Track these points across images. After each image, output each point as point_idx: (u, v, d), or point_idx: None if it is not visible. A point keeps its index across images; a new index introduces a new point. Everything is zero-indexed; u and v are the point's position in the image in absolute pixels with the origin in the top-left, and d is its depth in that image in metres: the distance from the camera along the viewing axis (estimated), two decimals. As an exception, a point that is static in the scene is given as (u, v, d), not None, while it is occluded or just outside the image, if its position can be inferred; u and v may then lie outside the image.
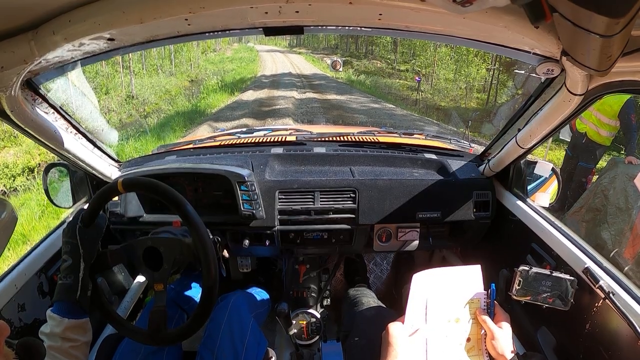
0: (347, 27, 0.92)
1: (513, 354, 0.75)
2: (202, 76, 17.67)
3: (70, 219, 0.88)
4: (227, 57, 27.93)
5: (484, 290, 0.82)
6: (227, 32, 0.92)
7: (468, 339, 0.80)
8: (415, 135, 1.90)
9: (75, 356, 0.78)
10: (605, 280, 0.94)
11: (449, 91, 15.56)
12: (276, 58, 31.37)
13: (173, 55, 18.00)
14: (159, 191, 0.84)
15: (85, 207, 0.90)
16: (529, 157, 1.33)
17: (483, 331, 0.79)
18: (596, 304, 0.96)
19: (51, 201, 1.41)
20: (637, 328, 0.83)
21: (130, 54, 13.53)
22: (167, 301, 0.88)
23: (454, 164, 1.53)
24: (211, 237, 0.94)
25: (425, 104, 13.44)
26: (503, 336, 0.77)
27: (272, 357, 1.21)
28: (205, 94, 13.08)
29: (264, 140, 1.74)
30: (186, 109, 10.81)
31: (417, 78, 14.70)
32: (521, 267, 1.04)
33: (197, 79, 17.01)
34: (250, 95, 12.89)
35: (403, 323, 0.78)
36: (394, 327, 0.77)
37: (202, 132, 7.50)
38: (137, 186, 0.86)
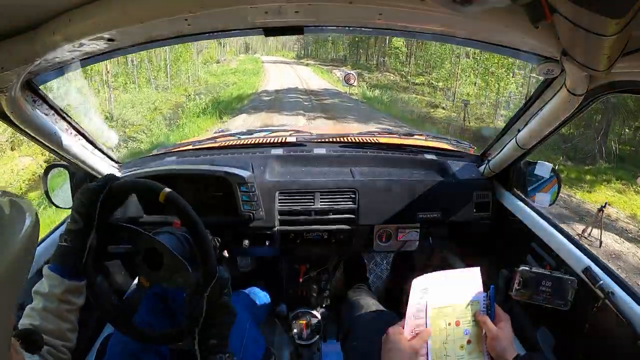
0: (347, 27, 0.92)
1: (513, 355, 0.75)
2: (200, 90, 16.09)
3: (96, 183, 0.84)
4: (230, 69, 26.23)
5: (484, 292, 0.82)
6: (227, 32, 0.92)
7: (468, 341, 0.80)
8: (415, 136, 1.90)
9: (68, 319, 0.76)
10: (605, 281, 0.94)
11: (473, 109, 13.56)
12: (282, 70, 29.04)
13: (169, 67, 16.15)
14: (193, 223, 0.84)
15: (117, 176, 0.88)
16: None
17: (483, 333, 0.79)
18: (596, 304, 0.95)
19: (51, 202, 1.41)
20: (637, 328, 0.83)
21: (116, 64, 12.47)
22: (156, 298, 0.89)
23: (454, 165, 1.53)
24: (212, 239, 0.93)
25: (448, 123, 12.17)
26: (503, 337, 0.77)
27: (271, 357, 1.20)
28: (185, 118, 11.23)
29: (264, 141, 1.74)
30: (158, 141, 9.02)
31: (463, 101, 13.02)
32: (521, 267, 1.04)
33: (195, 93, 15.43)
34: (241, 122, 10.59)
35: (403, 327, 0.78)
36: (394, 332, 0.77)
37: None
38: (177, 207, 0.84)
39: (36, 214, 0.40)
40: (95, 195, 0.81)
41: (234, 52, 37.12)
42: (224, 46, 30.04)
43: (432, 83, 18.83)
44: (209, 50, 25.53)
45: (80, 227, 0.79)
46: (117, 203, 0.87)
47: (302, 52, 46.58)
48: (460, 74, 15.37)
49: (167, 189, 0.82)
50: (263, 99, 14.92)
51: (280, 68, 30.79)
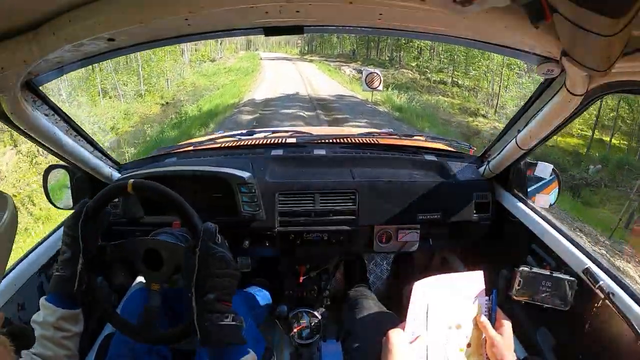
0: (347, 27, 0.92)
1: None
2: (181, 96, 13.53)
3: (74, 211, 0.86)
4: (224, 68, 23.05)
5: (486, 295, 0.81)
6: (228, 32, 0.92)
7: (468, 345, 0.80)
8: (415, 137, 1.90)
9: (66, 346, 0.78)
10: (605, 281, 0.94)
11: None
12: (281, 68, 24.71)
13: (141, 68, 13.19)
14: (169, 199, 0.82)
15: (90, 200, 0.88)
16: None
17: (484, 337, 0.79)
18: (596, 305, 0.95)
19: (51, 203, 1.41)
20: (637, 328, 0.83)
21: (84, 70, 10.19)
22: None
23: (454, 166, 1.53)
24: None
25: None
26: (503, 343, 0.76)
27: (271, 357, 1.20)
28: (145, 144, 8.64)
29: (264, 142, 1.74)
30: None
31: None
32: (521, 268, 1.04)
33: (174, 101, 12.93)
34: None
35: (403, 329, 0.78)
36: (394, 334, 0.77)
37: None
38: (147, 191, 0.84)
39: (14, 206, 0.42)
40: (74, 222, 0.82)
41: (234, 49, 34.59)
42: (220, 43, 28.03)
43: (457, 81, 16.74)
44: (205, 48, 23.74)
45: (69, 256, 0.81)
46: (98, 222, 0.86)
47: (306, 48, 42.53)
48: (504, 73, 12.67)
49: (132, 180, 0.82)
50: (242, 118, 10.03)
51: (279, 66, 26.65)
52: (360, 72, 21.55)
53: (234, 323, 0.75)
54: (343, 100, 11.99)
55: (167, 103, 12.79)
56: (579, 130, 11.93)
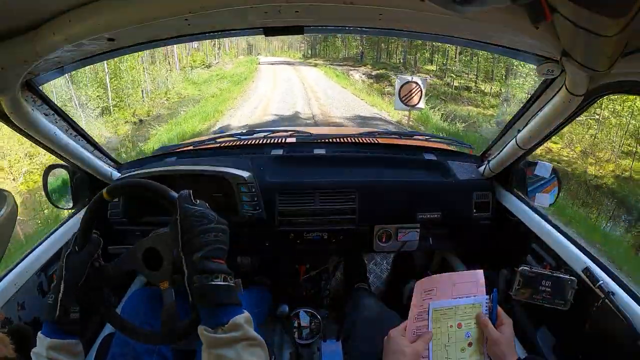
0: (347, 27, 0.92)
1: (514, 359, 0.75)
2: (161, 110, 11.41)
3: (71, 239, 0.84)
4: (216, 75, 19.99)
5: (487, 294, 0.82)
6: (227, 32, 0.92)
7: (470, 344, 0.80)
8: (415, 137, 1.90)
9: None
10: (605, 281, 0.94)
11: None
12: (280, 74, 21.39)
13: (108, 77, 10.91)
14: (144, 187, 0.81)
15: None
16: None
17: (485, 336, 0.79)
18: (596, 304, 0.95)
19: (52, 202, 1.41)
20: (637, 328, 0.83)
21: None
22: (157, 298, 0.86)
23: (454, 165, 1.53)
24: None
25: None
26: (504, 341, 0.77)
27: (271, 357, 1.20)
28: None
29: (265, 142, 1.74)
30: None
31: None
32: (521, 267, 1.04)
33: (149, 118, 10.90)
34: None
35: (405, 329, 0.78)
36: (396, 333, 0.78)
37: None
38: (121, 189, 0.83)
39: (14, 202, 0.45)
40: (64, 252, 0.80)
41: (234, 54, 32.93)
42: (220, 48, 26.97)
43: (480, 88, 14.19)
44: (201, 53, 21.96)
45: (55, 283, 0.78)
46: (87, 250, 0.82)
47: (309, 52, 39.37)
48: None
49: (105, 188, 0.81)
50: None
51: (279, 72, 23.01)
52: (371, 77, 19.53)
53: (225, 283, 0.70)
54: (367, 125, 8.91)
55: (140, 121, 10.42)
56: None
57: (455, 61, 17.26)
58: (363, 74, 20.98)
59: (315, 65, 28.10)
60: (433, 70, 17.79)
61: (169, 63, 17.23)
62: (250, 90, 16.10)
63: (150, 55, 14.49)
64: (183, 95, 14.19)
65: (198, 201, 0.76)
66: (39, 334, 0.76)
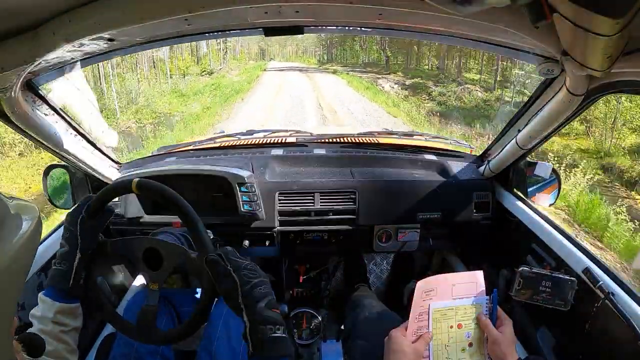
0: (347, 27, 0.92)
1: (515, 359, 0.75)
2: (126, 140, 8.03)
3: (76, 206, 0.86)
4: (212, 84, 16.40)
5: (487, 295, 0.82)
6: (227, 32, 0.93)
7: (470, 344, 0.80)
8: (415, 137, 1.90)
9: (64, 340, 0.78)
10: (605, 281, 0.94)
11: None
12: (286, 85, 16.89)
13: (104, 82, 9.67)
14: (172, 201, 0.81)
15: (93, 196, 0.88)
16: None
17: (485, 336, 0.80)
18: (596, 305, 0.95)
19: (51, 202, 1.41)
20: (637, 328, 0.83)
21: None
22: (161, 300, 0.87)
23: (454, 165, 1.53)
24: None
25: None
26: (504, 341, 0.77)
27: None
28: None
29: (264, 142, 1.74)
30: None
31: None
32: (521, 268, 1.04)
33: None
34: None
35: (406, 329, 0.78)
36: (396, 334, 0.78)
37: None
38: (151, 191, 0.83)
39: (39, 215, 0.44)
40: (74, 217, 0.83)
41: (244, 59, 30.94)
42: (225, 52, 23.73)
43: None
44: (191, 57, 19.25)
45: (66, 251, 0.81)
46: (99, 219, 0.86)
47: (325, 57, 34.72)
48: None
49: (137, 178, 0.82)
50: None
51: (285, 80, 18.39)
52: (405, 87, 15.87)
53: (284, 335, 0.74)
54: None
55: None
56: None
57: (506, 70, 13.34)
58: (395, 84, 17.06)
59: (334, 71, 23.36)
60: (477, 80, 14.38)
61: (158, 70, 15.09)
62: (239, 109, 12.18)
63: (134, 62, 12.47)
64: (163, 114, 11.25)
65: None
66: (43, 297, 0.80)
